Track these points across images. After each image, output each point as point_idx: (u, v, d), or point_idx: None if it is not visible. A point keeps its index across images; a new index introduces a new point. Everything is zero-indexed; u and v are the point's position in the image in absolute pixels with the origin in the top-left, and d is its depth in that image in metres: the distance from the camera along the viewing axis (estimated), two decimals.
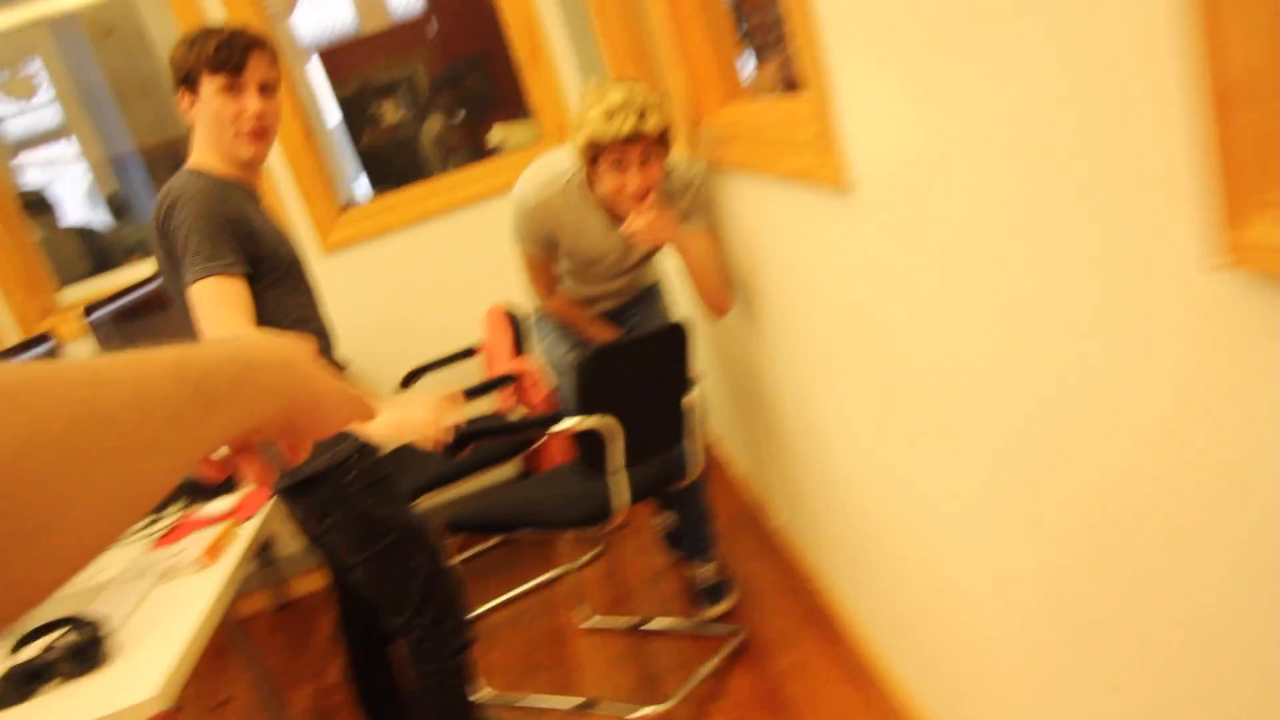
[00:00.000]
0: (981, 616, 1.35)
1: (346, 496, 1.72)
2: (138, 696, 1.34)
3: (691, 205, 2.16)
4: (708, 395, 3.18)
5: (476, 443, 2.13)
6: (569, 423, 1.98)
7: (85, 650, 1.49)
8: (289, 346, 0.49)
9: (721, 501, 2.98)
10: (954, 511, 1.32)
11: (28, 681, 1.47)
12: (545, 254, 2.22)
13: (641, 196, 2.00)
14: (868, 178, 1.23)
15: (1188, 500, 0.77)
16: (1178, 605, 0.84)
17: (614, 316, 2.39)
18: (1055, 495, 1.00)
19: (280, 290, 1.64)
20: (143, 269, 3.17)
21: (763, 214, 1.84)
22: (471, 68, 4.24)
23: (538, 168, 2.17)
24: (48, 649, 1.49)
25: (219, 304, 1.49)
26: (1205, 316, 0.68)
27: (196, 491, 2.14)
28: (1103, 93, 0.72)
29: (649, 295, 2.43)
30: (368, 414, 0.56)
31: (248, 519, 1.94)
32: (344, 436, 1.71)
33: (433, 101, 4.36)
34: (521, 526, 2.23)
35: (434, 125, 4.31)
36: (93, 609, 1.63)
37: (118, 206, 4.56)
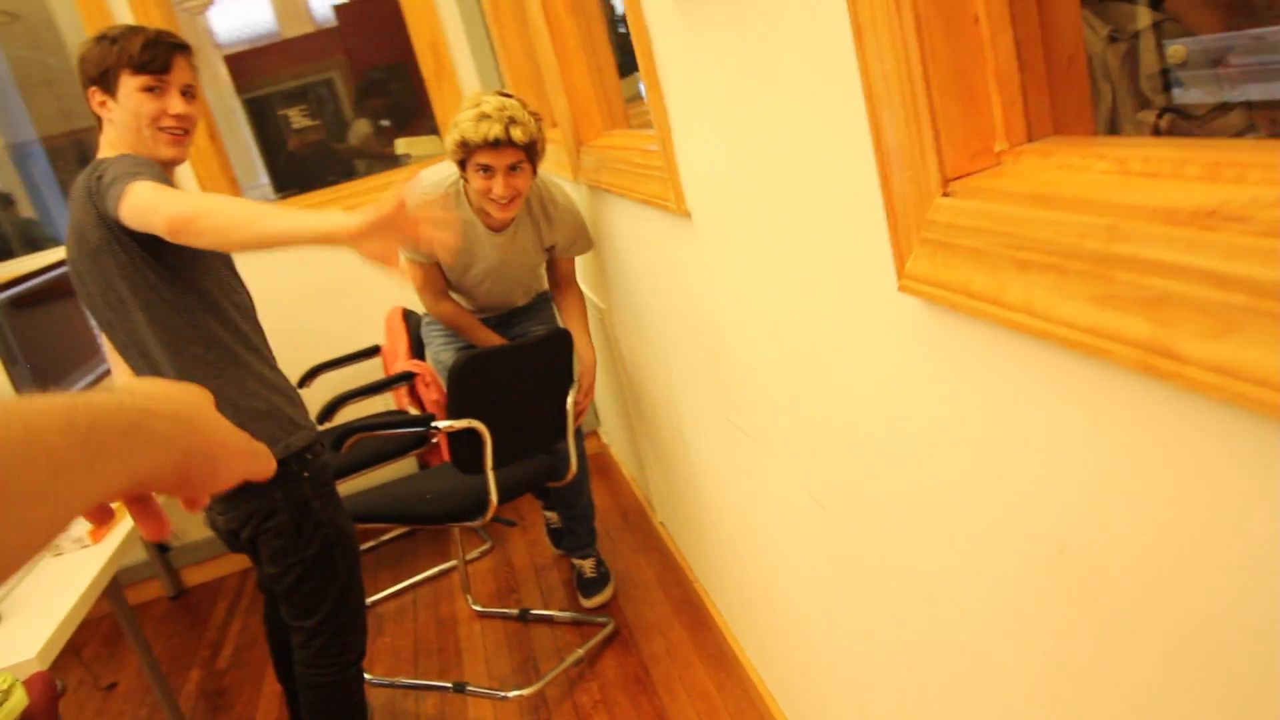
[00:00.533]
0: (796, 601, 1.53)
1: (299, 497, 1.70)
2: (18, 658, 1.42)
3: (572, 239, 2.37)
4: (600, 399, 3.34)
5: (354, 437, 2.24)
6: (441, 424, 2.11)
7: None
8: (185, 397, 0.48)
9: (610, 500, 3.14)
10: (772, 498, 1.50)
11: None
12: (428, 260, 2.35)
13: (506, 202, 2.15)
14: (700, 205, 1.41)
15: (906, 466, 0.95)
16: (926, 572, 1.02)
17: (502, 323, 2.53)
18: (836, 478, 1.18)
19: (211, 258, 1.66)
20: (33, 261, 3.18)
21: (631, 232, 2.01)
22: (392, 75, 4.34)
23: (420, 176, 2.31)
24: None
25: (154, 189, 1.48)
26: (902, 328, 0.86)
27: None
28: (832, 150, 0.90)
29: (537, 303, 2.58)
30: (266, 469, 0.55)
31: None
32: (297, 427, 1.72)
33: (361, 105, 4.43)
34: (402, 520, 2.35)
35: (361, 129, 4.40)
36: None
37: (5, 197, 4.50)
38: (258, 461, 0.53)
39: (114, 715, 2.66)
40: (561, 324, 2.50)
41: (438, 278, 2.40)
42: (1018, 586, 0.79)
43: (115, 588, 2.37)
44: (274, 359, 1.80)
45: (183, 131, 1.65)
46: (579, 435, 2.51)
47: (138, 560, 3.23)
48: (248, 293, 1.79)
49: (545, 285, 2.60)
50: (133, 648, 2.53)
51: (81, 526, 1.89)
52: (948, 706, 1.05)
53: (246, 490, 1.66)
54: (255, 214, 1.47)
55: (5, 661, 1.41)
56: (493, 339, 2.46)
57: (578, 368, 2.38)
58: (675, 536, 2.64)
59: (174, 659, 2.88)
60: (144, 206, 1.46)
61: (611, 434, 3.38)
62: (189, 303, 1.63)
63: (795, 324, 1.15)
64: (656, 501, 2.81)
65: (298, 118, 4.11)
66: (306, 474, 1.71)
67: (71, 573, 1.73)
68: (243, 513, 1.69)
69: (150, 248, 1.56)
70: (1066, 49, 0.69)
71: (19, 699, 1.30)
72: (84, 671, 2.91)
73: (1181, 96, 1.31)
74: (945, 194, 0.71)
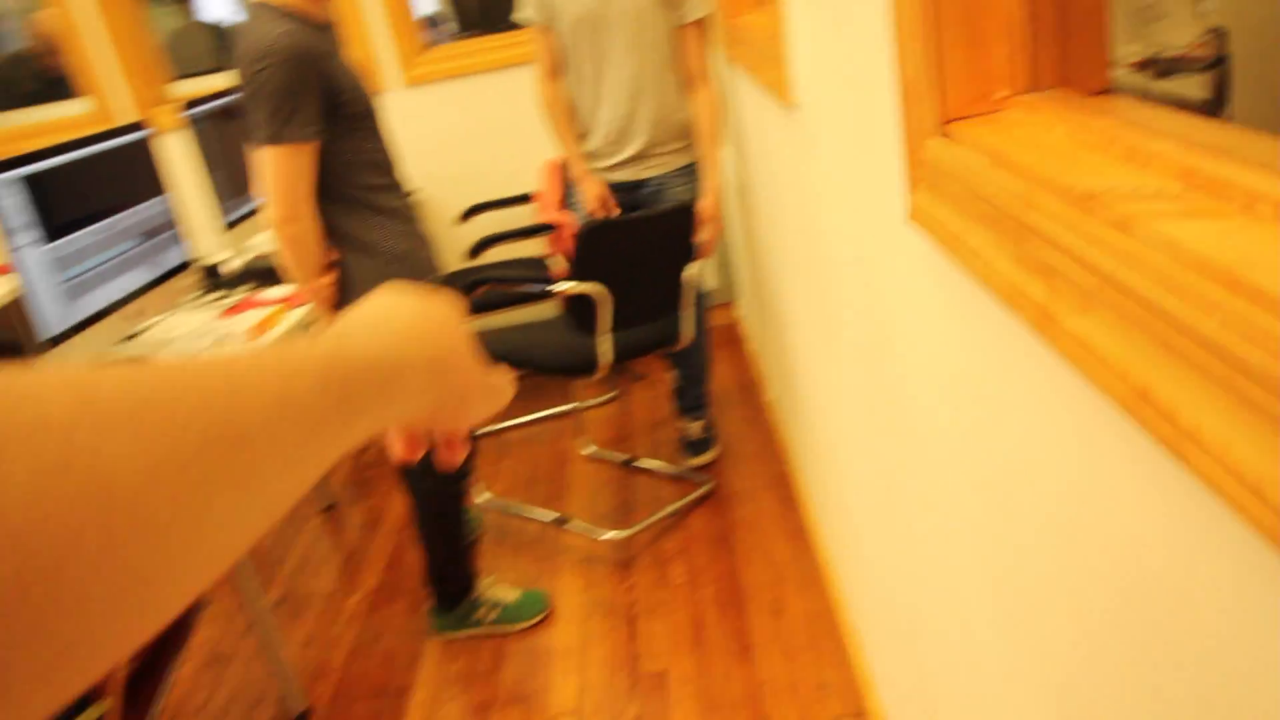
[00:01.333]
0: (859, 489, 1.61)
1: None
2: None
3: None
4: (739, 270, 3.40)
5: (482, 288, 2.42)
6: (562, 285, 2.24)
7: None
8: (440, 337, 0.44)
9: (731, 371, 3.25)
10: (839, 389, 1.56)
11: None
12: (546, 24, 2.40)
13: None
14: (806, 99, 1.42)
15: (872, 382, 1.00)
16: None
17: (629, 194, 2.56)
18: (877, 388, 1.23)
19: (354, 136, 1.84)
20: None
21: (756, 114, 2.02)
22: None
23: None
24: None
25: (282, 173, 1.72)
26: (911, 254, 0.90)
27: (263, 276, 2.51)
28: (878, 74, 0.92)
29: (680, 172, 2.57)
30: (504, 401, 0.51)
31: (295, 308, 2.31)
32: (427, 269, 1.94)
33: None
34: (516, 364, 2.54)
35: None
36: (160, 356, 2.02)
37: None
38: (499, 395, 0.50)
39: None
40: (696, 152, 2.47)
41: (554, 51, 2.43)
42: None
43: None
44: (412, 210, 1.97)
45: None
46: (700, 304, 2.60)
47: None
48: (388, 154, 1.95)
49: (685, 133, 2.47)
50: None
51: (252, 322, 2.19)
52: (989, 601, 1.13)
53: None
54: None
55: None
56: (594, 189, 2.51)
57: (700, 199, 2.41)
58: (780, 414, 2.73)
59: None
60: (263, 176, 1.72)
61: (746, 307, 3.45)
62: (347, 158, 1.83)
63: (851, 240, 1.18)
64: (768, 378, 2.89)
65: None
66: None
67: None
68: None
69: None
70: (1086, 1, 0.69)
71: None
72: None
73: None
74: (944, 134, 0.73)
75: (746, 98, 2.17)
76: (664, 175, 2.51)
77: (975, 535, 0.87)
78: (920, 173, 0.77)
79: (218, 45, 4.24)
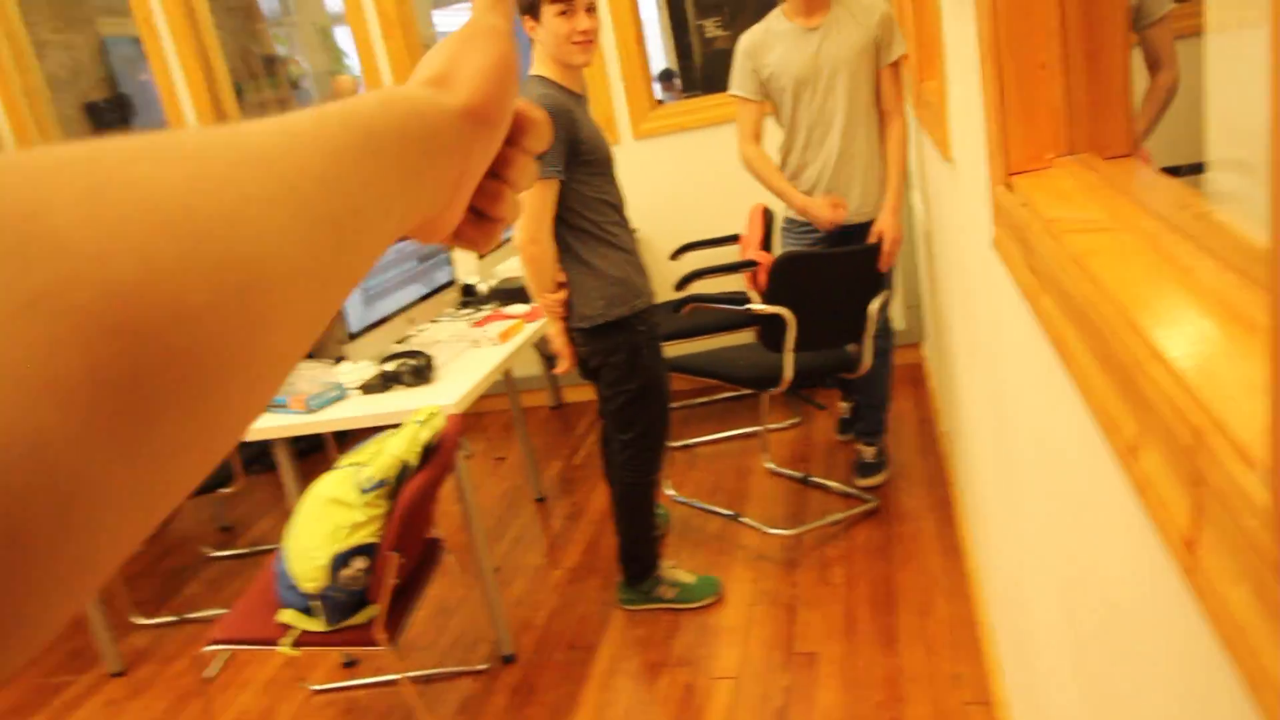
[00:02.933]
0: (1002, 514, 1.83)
1: (634, 343, 2.31)
2: (445, 401, 2.20)
3: (890, 29, 2.61)
4: (926, 311, 3.60)
5: (689, 306, 2.80)
6: (755, 307, 2.58)
7: (421, 371, 2.39)
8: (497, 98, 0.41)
9: (913, 407, 3.46)
10: (977, 415, 1.80)
11: (388, 382, 2.40)
12: (756, 98, 2.73)
13: None
14: (959, 154, 1.70)
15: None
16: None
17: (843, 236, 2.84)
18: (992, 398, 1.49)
19: (595, 179, 2.27)
20: None
21: (933, 167, 2.29)
22: None
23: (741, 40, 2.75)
24: (401, 366, 2.41)
25: (530, 204, 2.14)
26: (992, 279, 1.17)
27: (507, 296, 3.02)
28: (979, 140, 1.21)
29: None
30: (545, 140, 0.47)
31: (533, 321, 2.78)
32: (639, 292, 2.33)
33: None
34: (713, 375, 2.89)
35: None
36: (429, 351, 2.54)
37: None
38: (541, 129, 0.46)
39: (500, 478, 3.61)
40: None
41: (758, 118, 2.76)
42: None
43: (514, 391, 3.23)
44: (634, 244, 2.38)
45: (589, 41, 2.21)
46: (885, 336, 2.86)
47: (533, 374, 4.17)
48: (619, 195, 2.36)
49: (883, 157, 2.71)
50: (519, 436, 3.40)
51: (498, 330, 2.68)
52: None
53: (602, 331, 2.30)
54: None
55: (440, 402, 2.19)
56: (819, 207, 2.70)
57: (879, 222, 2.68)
58: (949, 445, 2.92)
59: (546, 450, 3.77)
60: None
61: (930, 348, 3.64)
62: (585, 196, 2.25)
63: (966, 269, 1.45)
64: (942, 410, 3.08)
65: (711, 27, 4.66)
66: (642, 329, 2.33)
67: (484, 359, 2.51)
68: (597, 347, 2.34)
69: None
70: (1114, 86, 0.96)
71: (440, 421, 2.05)
72: (486, 443, 3.92)
73: None
74: (1007, 185, 1.02)
75: (928, 152, 2.45)
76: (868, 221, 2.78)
77: (1049, 570, 1.13)
78: (998, 212, 1.05)
79: None
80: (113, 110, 4.83)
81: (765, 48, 2.69)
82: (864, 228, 2.76)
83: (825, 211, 2.67)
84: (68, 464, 0.17)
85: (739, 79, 2.78)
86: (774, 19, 2.70)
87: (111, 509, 0.19)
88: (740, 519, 2.90)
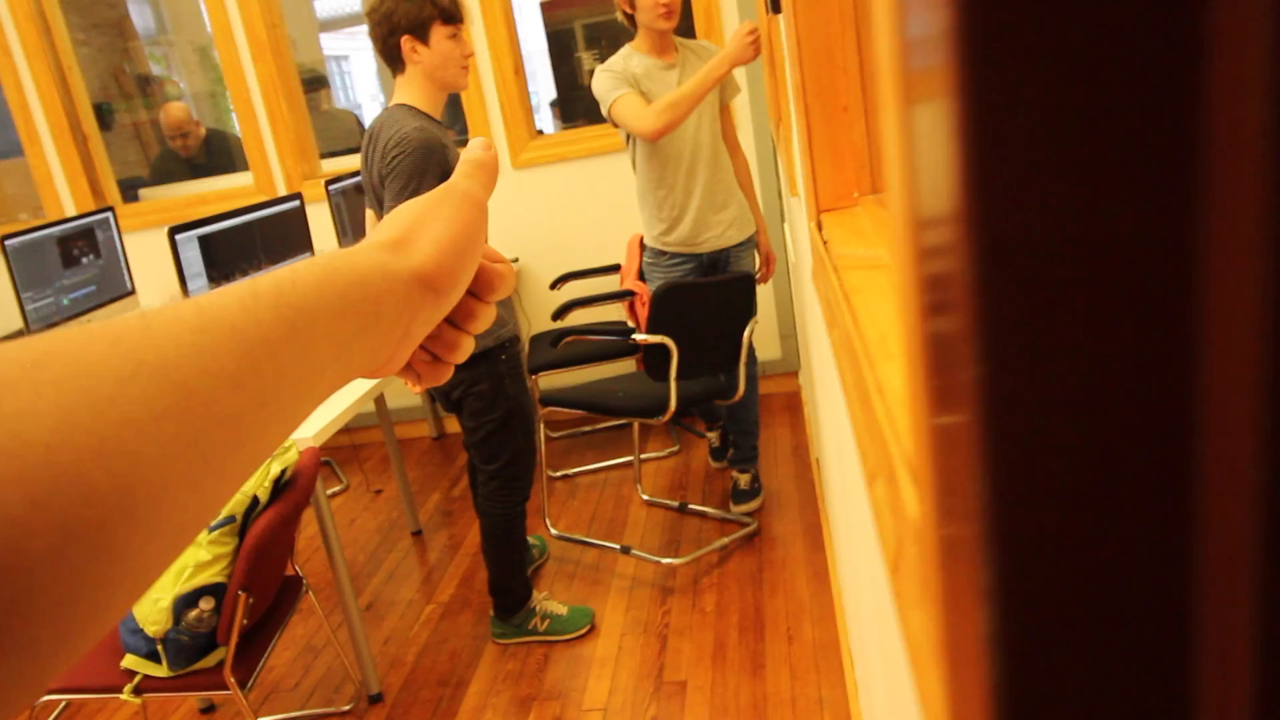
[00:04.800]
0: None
1: (497, 373, 2.29)
2: (301, 434, 2.14)
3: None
4: (800, 340, 3.70)
5: (568, 338, 2.81)
6: (637, 336, 2.61)
7: None
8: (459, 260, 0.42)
9: (789, 435, 3.53)
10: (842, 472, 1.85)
11: None
12: (633, 88, 2.66)
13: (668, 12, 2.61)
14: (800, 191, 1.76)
15: None
16: None
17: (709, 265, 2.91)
18: None
19: None
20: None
21: (790, 201, 2.37)
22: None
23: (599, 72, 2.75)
24: None
25: None
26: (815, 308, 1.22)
27: None
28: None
29: (747, 243, 2.91)
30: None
31: None
32: (503, 324, 2.31)
33: None
34: (595, 409, 2.90)
35: None
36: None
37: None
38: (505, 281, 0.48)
39: (376, 511, 3.52)
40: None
41: (640, 99, 2.71)
42: None
43: (387, 423, 3.17)
44: None
45: (468, 65, 2.22)
46: (752, 364, 2.91)
47: (414, 404, 4.10)
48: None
49: (739, 187, 2.84)
50: (395, 468, 3.34)
51: None
52: None
53: (464, 362, 2.27)
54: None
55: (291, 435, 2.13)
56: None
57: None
58: (819, 471, 2.99)
59: (426, 482, 3.70)
60: None
61: (804, 376, 3.74)
62: None
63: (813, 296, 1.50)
64: (813, 437, 3.16)
65: (589, 60, 4.72)
66: (504, 358, 2.32)
67: (347, 390, 2.45)
68: (459, 378, 2.31)
69: None
70: None
71: (293, 454, 1.99)
72: (363, 476, 3.82)
73: None
74: (818, 223, 1.06)
75: (784, 187, 2.52)
76: (738, 245, 2.86)
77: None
78: (813, 246, 1.10)
79: (356, 129, 4.87)
80: None
81: (634, 79, 2.73)
82: (728, 255, 2.84)
83: (748, 51, 2.53)
84: None
85: (615, 85, 2.66)
86: (628, 57, 2.71)
87: None
88: (631, 552, 2.90)
